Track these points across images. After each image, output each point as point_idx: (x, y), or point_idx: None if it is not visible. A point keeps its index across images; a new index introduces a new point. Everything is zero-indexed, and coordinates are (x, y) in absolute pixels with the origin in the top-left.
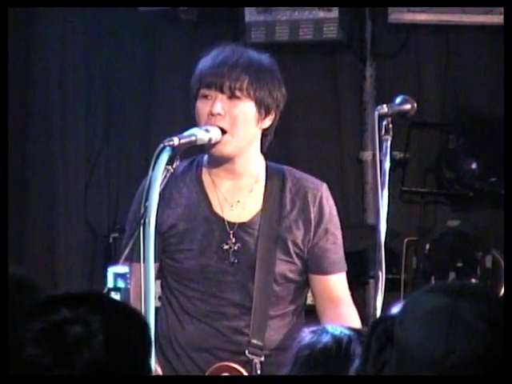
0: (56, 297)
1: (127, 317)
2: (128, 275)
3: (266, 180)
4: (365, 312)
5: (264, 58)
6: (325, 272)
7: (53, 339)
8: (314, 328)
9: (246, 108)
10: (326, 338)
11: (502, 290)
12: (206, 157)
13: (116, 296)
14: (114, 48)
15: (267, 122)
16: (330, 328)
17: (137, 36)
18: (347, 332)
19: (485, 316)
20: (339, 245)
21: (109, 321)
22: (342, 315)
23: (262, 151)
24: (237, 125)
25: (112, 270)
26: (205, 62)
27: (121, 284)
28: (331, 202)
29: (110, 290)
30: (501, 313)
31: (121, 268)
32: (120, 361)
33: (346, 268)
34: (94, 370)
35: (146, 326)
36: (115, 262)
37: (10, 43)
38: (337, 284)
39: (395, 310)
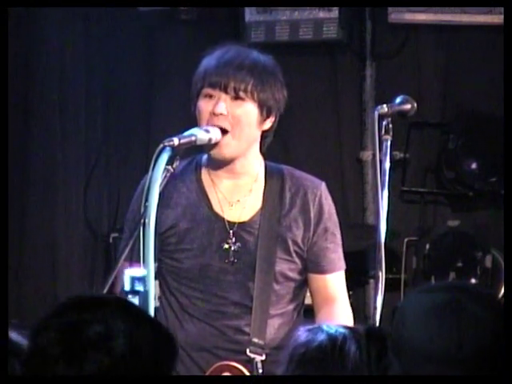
0: (78, 300)
1: (148, 326)
2: (146, 278)
3: (266, 179)
4: (365, 312)
5: (268, 59)
6: (323, 271)
7: (70, 335)
8: (309, 326)
9: (249, 109)
10: (321, 337)
11: (502, 290)
12: (205, 156)
13: (134, 299)
14: (113, 48)
15: (268, 124)
16: (325, 327)
17: (137, 36)
18: (342, 330)
19: (488, 305)
20: (338, 244)
21: (131, 329)
22: (335, 314)
23: (260, 151)
24: (239, 126)
25: (129, 273)
26: (209, 61)
27: (139, 287)
28: (330, 200)
29: (127, 293)
30: (500, 301)
31: (138, 271)
32: (137, 369)
33: (344, 267)
34: (103, 373)
35: (173, 339)
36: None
37: (10, 43)
38: (334, 283)
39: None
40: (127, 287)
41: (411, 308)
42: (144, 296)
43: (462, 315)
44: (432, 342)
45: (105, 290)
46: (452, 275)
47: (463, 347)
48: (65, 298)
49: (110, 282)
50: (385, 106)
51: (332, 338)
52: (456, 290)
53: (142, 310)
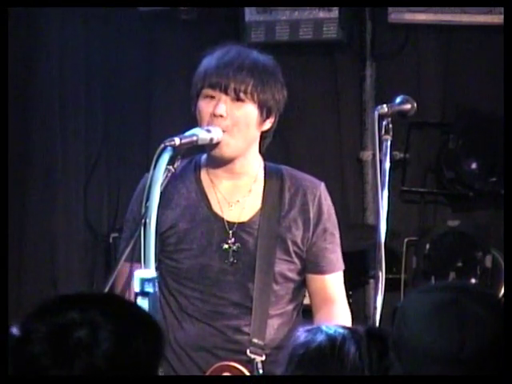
0: (68, 297)
1: (140, 326)
2: (156, 279)
3: (265, 180)
4: (365, 312)
5: (268, 60)
6: (322, 271)
7: (57, 340)
8: (309, 327)
9: (249, 111)
10: (320, 337)
11: (502, 290)
12: (204, 156)
13: (144, 301)
14: (113, 48)
15: (268, 124)
16: (324, 327)
17: (137, 36)
18: (341, 331)
19: (488, 305)
20: (337, 244)
21: (119, 329)
22: (334, 314)
23: (260, 152)
24: (238, 127)
25: (139, 275)
26: (209, 62)
27: (148, 289)
28: (329, 201)
29: (136, 294)
30: (500, 300)
31: (148, 272)
32: (122, 372)
33: (343, 267)
34: (91, 375)
35: (158, 337)
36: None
37: (10, 43)
38: (333, 284)
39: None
40: (137, 289)
41: (412, 308)
42: (154, 297)
43: (463, 315)
44: (433, 342)
45: (105, 291)
46: (452, 275)
47: (464, 347)
48: (52, 297)
49: (110, 282)
50: (385, 106)
51: (331, 339)
52: (456, 289)
53: (129, 305)
